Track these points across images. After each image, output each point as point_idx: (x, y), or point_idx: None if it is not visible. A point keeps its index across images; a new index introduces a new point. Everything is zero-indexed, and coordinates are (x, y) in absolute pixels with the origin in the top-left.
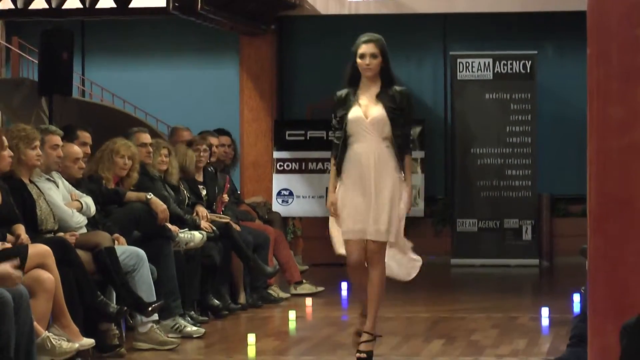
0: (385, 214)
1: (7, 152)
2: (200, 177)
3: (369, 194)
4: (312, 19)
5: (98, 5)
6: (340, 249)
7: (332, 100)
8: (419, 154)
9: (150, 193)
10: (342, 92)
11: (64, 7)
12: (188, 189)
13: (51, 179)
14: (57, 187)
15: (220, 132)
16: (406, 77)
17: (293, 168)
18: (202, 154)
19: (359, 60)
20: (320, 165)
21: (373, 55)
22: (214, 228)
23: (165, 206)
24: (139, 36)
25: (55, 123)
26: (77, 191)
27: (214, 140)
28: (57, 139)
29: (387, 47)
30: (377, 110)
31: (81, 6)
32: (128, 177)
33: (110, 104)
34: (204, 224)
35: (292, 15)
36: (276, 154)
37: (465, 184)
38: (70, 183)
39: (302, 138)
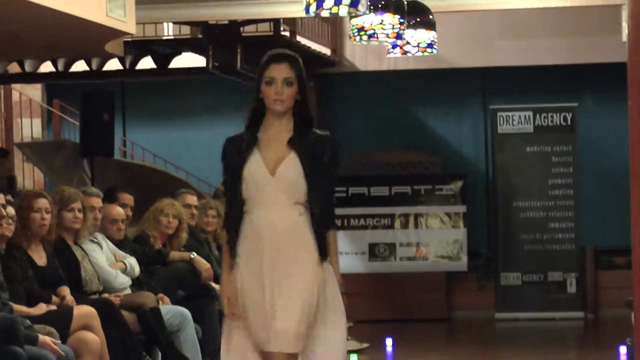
0: (295, 313)
1: (39, 215)
2: None
3: (272, 285)
4: (351, 75)
5: (138, 67)
6: None
7: (224, 147)
8: (461, 209)
9: (193, 252)
10: (236, 138)
11: (104, 69)
12: None
13: (95, 240)
14: (101, 248)
15: None
16: (446, 132)
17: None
18: None
19: (264, 88)
20: (362, 221)
21: (287, 82)
22: None
23: (208, 265)
24: (179, 96)
25: (97, 184)
26: (121, 252)
27: None
28: (96, 201)
29: (427, 101)
30: (289, 163)
31: (121, 68)
32: (177, 237)
33: (152, 164)
34: None
35: (331, 72)
36: None
37: (508, 237)
38: (114, 244)
39: (344, 194)
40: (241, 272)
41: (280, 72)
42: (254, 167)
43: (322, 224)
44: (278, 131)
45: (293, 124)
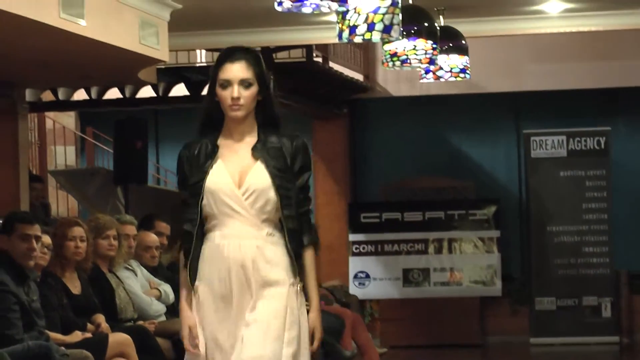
0: (266, 340)
1: (74, 243)
2: None
3: (241, 320)
4: (383, 100)
5: (171, 94)
6: None
7: (180, 159)
8: (494, 234)
9: None
10: (194, 145)
11: (137, 96)
12: None
13: (129, 267)
14: (136, 275)
15: None
16: (479, 157)
17: (369, 250)
18: None
19: (219, 92)
20: (396, 247)
21: (244, 83)
22: None
23: None
24: None
25: (131, 212)
26: (155, 279)
27: None
28: (130, 229)
29: (460, 126)
30: (256, 174)
31: (154, 95)
32: None
33: None
34: None
35: (363, 98)
36: (352, 237)
37: (542, 262)
38: (148, 271)
39: (377, 220)
40: (202, 299)
41: (235, 72)
42: (218, 180)
43: (299, 241)
44: (241, 138)
45: (257, 130)
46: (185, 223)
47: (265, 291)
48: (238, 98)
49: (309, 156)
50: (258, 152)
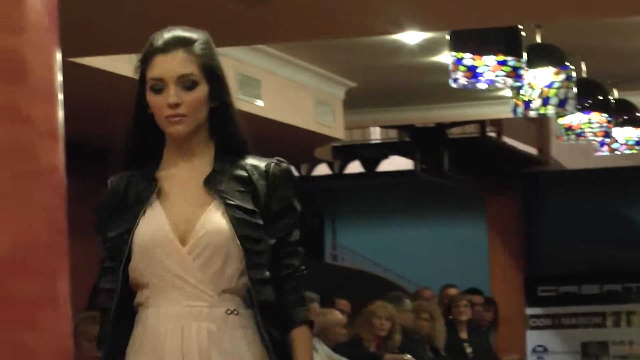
0: None
1: None
2: (464, 334)
3: None
4: (557, 174)
5: (346, 171)
6: None
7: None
8: None
9: (407, 354)
10: (121, 181)
11: (313, 174)
12: (452, 350)
13: None
14: (317, 352)
15: (473, 291)
16: None
17: (546, 324)
18: (461, 309)
19: (150, 98)
20: (574, 320)
21: (185, 82)
22: None
23: None
24: (386, 198)
25: (309, 289)
26: (336, 356)
27: (477, 299)
28: (312, 306)
29: (636, 197)
30: (209, 221)
31: (330, 172)
32: (390, 339)
33: (361, 267)
34: None
35: (537, 171)
36: (529, 311)
37: None
38: (329, 347)
39: (554, 294)
40: None
41: (171, 67)
42: (152, 231)
43: (277, 319)
44: (189, 166)
45: (214, 152)
46: (100, 295)
47: None
48: (177, 104)
49: (292, 189)
50: (214, 187)
